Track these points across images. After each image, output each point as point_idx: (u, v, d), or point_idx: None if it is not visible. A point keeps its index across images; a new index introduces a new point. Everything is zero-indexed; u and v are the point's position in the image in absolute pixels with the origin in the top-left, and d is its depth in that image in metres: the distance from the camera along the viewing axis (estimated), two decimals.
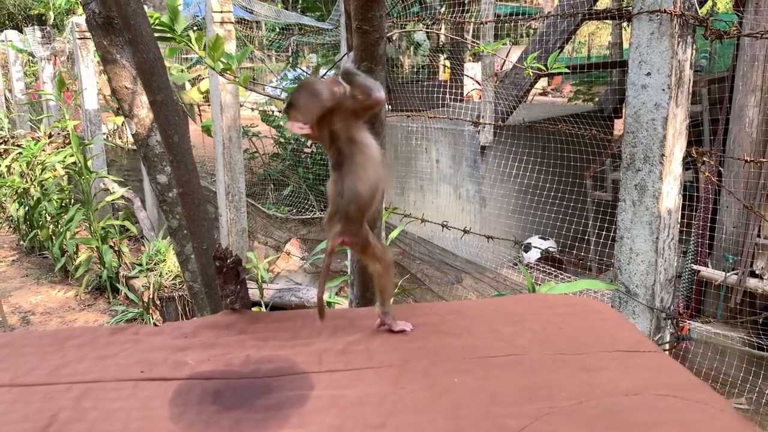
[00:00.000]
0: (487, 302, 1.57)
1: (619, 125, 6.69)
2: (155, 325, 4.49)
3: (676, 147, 2.42)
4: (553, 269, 5.22)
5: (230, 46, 4.66)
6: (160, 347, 1.34)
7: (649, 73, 2.33)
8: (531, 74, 2.48)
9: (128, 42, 1.51)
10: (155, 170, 2.12)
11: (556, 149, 5.42)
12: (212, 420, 1.09)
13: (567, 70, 3.32)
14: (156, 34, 1.67)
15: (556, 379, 1.17)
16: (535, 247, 5.43)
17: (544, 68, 2.47)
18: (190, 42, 2.01)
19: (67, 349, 1.34)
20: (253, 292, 4.51)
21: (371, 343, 1.33)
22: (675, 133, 2.38)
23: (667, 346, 2.42)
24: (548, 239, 5.81)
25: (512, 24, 8.04)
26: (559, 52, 5.40)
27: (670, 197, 2.43)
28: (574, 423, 1.03)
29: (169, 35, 1.93)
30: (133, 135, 2.16)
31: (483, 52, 5.19)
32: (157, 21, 1.89)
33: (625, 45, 6.67)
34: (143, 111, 2.11)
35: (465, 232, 3.26)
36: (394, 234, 2.88)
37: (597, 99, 7.50)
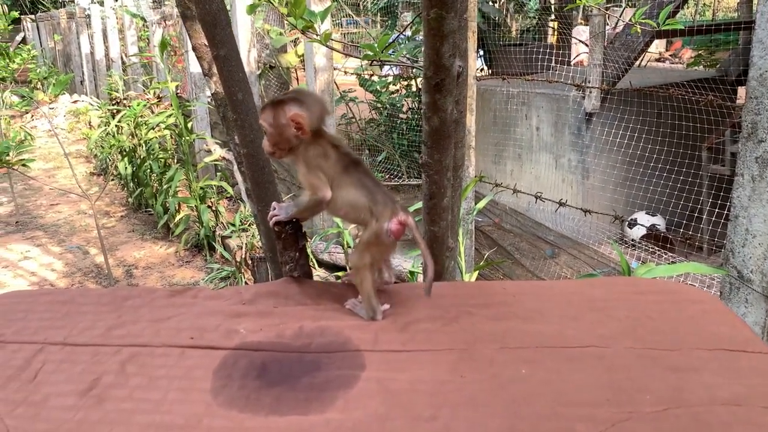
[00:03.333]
0: (568, 284, 1.41)
1: (743, 93, 6.11)
2: (246, 284, 4.58)
3: None
4: (658, 249, 4.88)
5: (321, 5, 4.58)
6: (215, 313, 1.29)
7: None
8: (640, 32, 2.23)
9: None
10: (234, 131, 2.07)
11: (670, 117, 5.00)
12: (252, 396, 1.02)
13: (681, 26, 2.99)
14: None
15: (641, 379, 1.01)
16: (640, 224, 5.08)
17: (654, 25, 2.22)
18: None
19: (123, 310, 1.32)
20: (340, 257, 4.49)
21: (434, 323, 1.22)
22: None
23: None
24: (655, 215, 5.42)
25: None
26: (678, 8, 4.95)
27: None
28: None
29: None
30: (212, 94, 2.12)
31: (590, 9, 4.84)
32: None
33: (755, 3, 6.03)
34: None
35: (561, 204, 3.06)
36: (481, 204, 2.72)
37: (719, 65, 6.88)
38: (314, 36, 2.16)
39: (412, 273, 3.31)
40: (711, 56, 8.95)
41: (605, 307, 1.27)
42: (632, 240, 5.57)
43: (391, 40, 1.80)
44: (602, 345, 1.12)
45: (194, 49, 2.10)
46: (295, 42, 6.21)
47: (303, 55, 6.83)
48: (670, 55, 16.54)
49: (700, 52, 9.38)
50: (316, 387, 1.03)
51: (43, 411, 0.99)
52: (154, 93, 6.94)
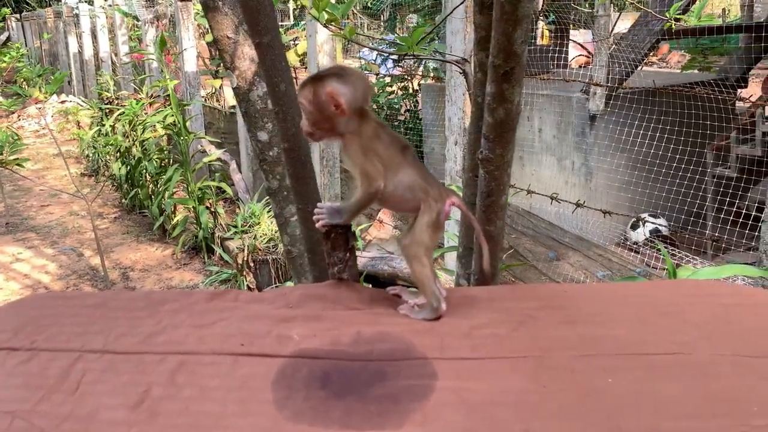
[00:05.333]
0: (628, 286, 1.35)
1: (744, 94, 6.07)
2: (249, 288, 4.49)
3: None
4: (664, 249, 4.83)
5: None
6: (261, 317, 1.20)
7: None
8: (673, 26, 2.17)
9: None
10: (256, 127, 1.98)
11: (674, 120, 4.98)
12: (320, 408, 0.93)
13: (718, 22, 2.94)
14: None
15: (740, 388, 0.94)
16: (648, 222, 5.04)
17: (686, 20, 2.16)
18: None
19: (161, 315, 1.23)
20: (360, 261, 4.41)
21: (498, 327, 1.14)
22: None
23: None
24: (659, 218, 5.39)
25: None
26: (687, 7, 4.91)
27: None
28: None
29: None
30: (234, 89, 2.03)
31: (596, 10, 4.81)
32: None
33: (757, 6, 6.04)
34: (245, 63, 1.97)
35: (578, 205, 3.00)
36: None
37: (719, 68, 6.88)
38: (336, 30, 2.09)
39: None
40: (705, 59, 8.98)
41: (676, 311, 1.20)
42: (635, 242, 5.54)
43: (424, 34, 1.73)
44: (686, 351, 1.04)
45: (216, 41, 2.02)
46: (295, 41, 6.12)
47: (303, 55, 6.75)
48: (658, 59, 16.59)
49: (694, 56, 9.41)
50: (388, 398, 0.95)
51: (92, 425, 0.91)
52: (147, 93, 6.82)
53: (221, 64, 9.16)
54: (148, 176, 5.98)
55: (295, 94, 1.41)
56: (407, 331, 1.13)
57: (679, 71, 8.48)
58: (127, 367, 1.05)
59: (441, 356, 1.05)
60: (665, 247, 5.04)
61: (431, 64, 6.07)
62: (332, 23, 2.08)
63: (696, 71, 8.62)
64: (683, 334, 1.10)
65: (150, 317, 1.22)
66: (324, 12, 2.05)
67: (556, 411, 0.91)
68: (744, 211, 5.06)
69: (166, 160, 5.98)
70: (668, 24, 2.05)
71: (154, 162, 5.93)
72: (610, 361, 1.03)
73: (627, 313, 1.20)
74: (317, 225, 1.24)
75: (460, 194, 2.37)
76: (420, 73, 6.55)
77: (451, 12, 2.60)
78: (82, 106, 10.18)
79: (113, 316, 1.23)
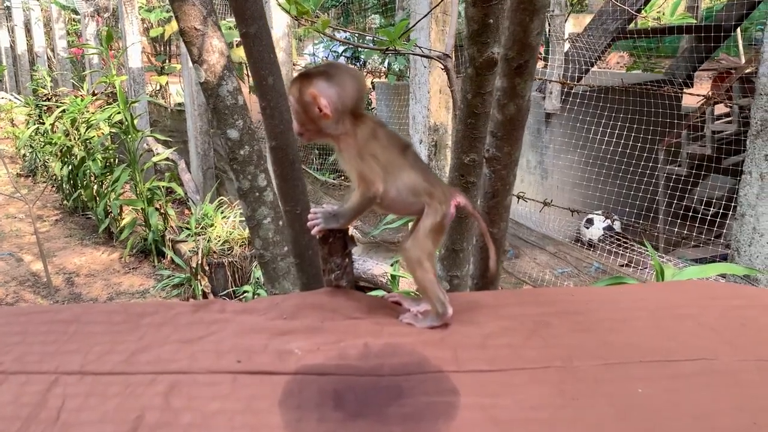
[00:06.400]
0: (633, 289, 1.31)
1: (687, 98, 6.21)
2: (203, 293, 4.32)
3: None
4: (616, 247, 4.92)
5: None
6: (255, 330, 1.11)
7: None
8: (649, 23, 2.17)
9: None
10: (226, 124, 1.87)
11: (628, 119, 5.06)
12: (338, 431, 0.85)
13: (693, 20, 2.97)
14: None
15: None
16: (600, 219, 5.11)
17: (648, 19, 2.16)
18: None
19: (143, 329, 1.12)
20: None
21: (512, 336, 1.08)
22: None
23: None
24: (611, 216, 5.48)
25: None
26: (639, 11, 5.00)
27: None
28: None
29: None
30: (201, 84, 1.91)
31: (551, 11, 4.83)
32: None
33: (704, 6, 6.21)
34: (214, 56, 1.86)
35: (545, 204, 2.98)
36: None
37: (666, 68, 7.05)
38: (307, 23, 2.00)
39: (393, 277, 3.17)
40: (649, 60, 9.23)
41: (688, 314, 1.16)
42: (589, 240, 5.61)
43: (407, 29, 1.66)
44: (709, 357, 1.01)
45: (182, 33, 1.89)
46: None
47: None
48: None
49: (637, 56, 9.65)
50: (410, 418, 0.88)
51: None
52: (90, 90, 6.52)
53: (166, 60, 8.89)
54: (92, 177, 5.70)
55: (284, 88, 1.32)
56: (417, 343, 1.06)
57: (620, 72, 8.66)
58: (113, 390, 0.94)
59: (458, 369, 0.99)
60: (629, 245, 5.12)
61: (396, 64, 6.00)
62: (303, 16, 1.99)
63: (640, 72, 8.85)
64: (702, 338, 1.07)
65: (131, 332, 1.11)
66: (294, 5, 1.96)
67: (593, 426, 0.85)
68: (693, 206, 5.19)
69: (112, 160, 5.72)
70: (645, 21, 2.04)
71: (99, 162, 5.66)
72: (635, 370, 0.98)
73: (640, 317, 1.15)
74: (313, 231, 1.15)
75: None
76: (383, 71, 6.47)
77: (431, 10, 2.54)
78: (16, 103, 9.69)
79: (89, 331, 1.11)
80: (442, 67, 1.89)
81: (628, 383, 0.94)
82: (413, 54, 1.83)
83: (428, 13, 2.39)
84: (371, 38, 4.00)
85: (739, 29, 6.05)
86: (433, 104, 3.22)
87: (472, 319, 1.14)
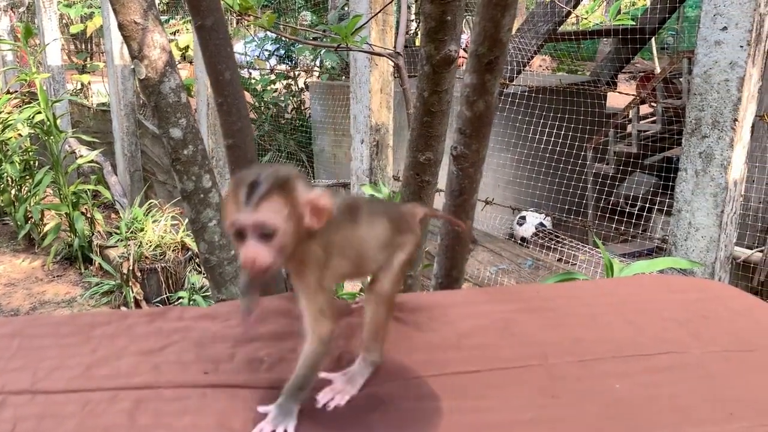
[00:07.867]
0: (596, 284, 1.33)
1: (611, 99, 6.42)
2: (135, 300, 4.14)
3: (748, 111, 2.20)
4: (549, 244, 5.04)
5: None
6: (218, 338, 1.05)
7: (725, 28, 2.09)
8: (600, 22, 2.21)
9: None
10: (168, 123, 1.79)
11: (555, 119, 5.19)
12: None
13: (632, 23, 3.06)
14: None
15: (744, 386, 0.93)
16: (535, 215, 5.23)
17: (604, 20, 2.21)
18: None
19: (95, 341, 1.05)
20: None
21: (486, 336, 1.07)
22: (749, 96, 2.16)
23: None
24: (542, 214, 5.62)
25: None
26: (568, 14, 5.14)
27: (737, 167, 2.21)
28: None
29: None
30: (141, 80, 1.82)
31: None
32: None
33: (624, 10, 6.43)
34: (156, 51, 1.77)
35: (487, 203, 3.01)
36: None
37: (590, 70, 7.30)
38: (252, 19, 1.95)
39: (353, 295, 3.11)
40: (573, 62, 9.53)
41: (652, 308, 1.18)
42: (522, 236, 5.73)
43: (360, 24, 1.63)
44: (680, 350, 1.02)
45: (121, 27, 1.80)
46: (175, 34, 5.76)
47: (185, 49, 6.37)
48: None
49: (560, 59, 9.94)
50: (395, 425, 0.85)
51: None
52: (6, 88, 6.16)
53: (88, 58, 8.52)
54: (9, 180, 5.38)
55: (240, 83, 1.26)
56: (391, 348, 1.02)
57: (545, 74, 8.90)
58: (69, 409, 0.87)
59: (436, 373, 0.96)
60: (549, 239, 5.25)
61: (328, 61, 5.94)
62: (248, 11, 1.93)
63: (565, 73, 9.12)
64: (670, 332, 1.09)
65: (82, 345, 1.03)
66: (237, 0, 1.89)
67: (580, 425, 0.84)
68: (620, 201, 5.38)
69: (32, 162, 5.41)
70: (585, 22, 2.08)
71: (17, 164, 5.34)
72: (609, 366, 0.98)
73: (607, 312, 1.16)
74: None
75: (388, 195, 2.29)
76: (316, 70, 6.39)
77: (382, 9, 2.52)
78: None
79: (36, 345, 1.03)
80: (393, 65, 1.87)
81: (605, 379, 0.94)
82: (364, 51, 1.80)
83: (379, 11, 2.36)
84: (303, 34, 3.92)
85: None
86: (374, 104, 3.20)
87: (444, 318, 1.13)
